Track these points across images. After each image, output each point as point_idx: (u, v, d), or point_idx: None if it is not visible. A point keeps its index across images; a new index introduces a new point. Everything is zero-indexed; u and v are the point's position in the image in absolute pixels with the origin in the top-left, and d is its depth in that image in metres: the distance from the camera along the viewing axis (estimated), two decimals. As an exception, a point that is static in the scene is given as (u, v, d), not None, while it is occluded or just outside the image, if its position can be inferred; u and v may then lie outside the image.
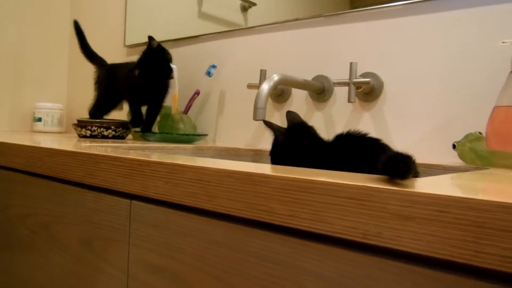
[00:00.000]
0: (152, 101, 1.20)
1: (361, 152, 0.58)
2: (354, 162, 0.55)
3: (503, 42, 0.70)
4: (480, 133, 0.71)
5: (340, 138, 0.63)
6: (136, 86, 1.16)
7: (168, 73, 1.15)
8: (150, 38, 1.14)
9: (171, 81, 1.18)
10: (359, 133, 0.62)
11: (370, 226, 0.33)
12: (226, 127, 1.21)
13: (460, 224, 0.29)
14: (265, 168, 0.45)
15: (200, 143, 1.15)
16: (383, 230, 0.32)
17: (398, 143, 0.88)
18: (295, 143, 0.67)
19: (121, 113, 1.40)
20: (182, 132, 1.16)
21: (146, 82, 1.14)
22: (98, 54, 1.36)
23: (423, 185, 0.35)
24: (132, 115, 1.20)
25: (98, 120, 1.20)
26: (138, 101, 1.20)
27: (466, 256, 0.29)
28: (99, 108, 1.28)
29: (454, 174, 0.51)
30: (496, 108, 0.67)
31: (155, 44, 1.14)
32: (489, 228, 0.28)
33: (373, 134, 0.64)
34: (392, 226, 0.32)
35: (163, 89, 1.19)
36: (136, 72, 1.11)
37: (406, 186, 0.33)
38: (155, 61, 1.14)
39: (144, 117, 1.20)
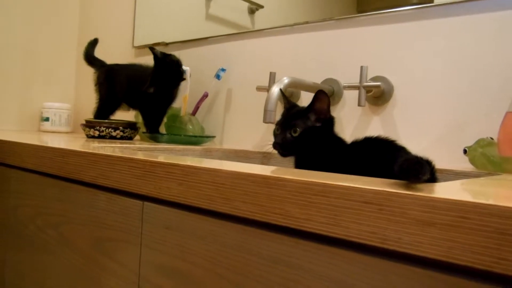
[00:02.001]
0: (162, 106, 1.20)
1: (384, 156, 0.59)
2: (376, 165, 0.56)
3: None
4: (492, 138, 0.71)
5: (367, 140, 0.65)
6: (150, 102, 1.16)
7: (180, 79, 1.15)
8: (152, 49, 1.12)
9: (182, 83, 1.18)
10: (386, 138, 0.64)
11: (390, 231, 0.33)
12: (233, 129, 1.21)
13: (482, 231, 0.29)
14: (281, 171, 0.45)
15: (207, 145, 1.15)
16: (402, 235, 0.32)
17: (408, 148, 0.87)
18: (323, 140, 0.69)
19: (129, 114, 1.40)
20: (190, 134, 1.16)
21: (160, 95, 1.14)
22: (97, 56, 1.33)
23: (442, 190, 0.35)
24: (148, 128, 1.20)
25: (106, 121, 1.20)
26: (151, 113, 1.20)
27: (488, 263, 0.29)
28: (103, 112, 1.28)
29: (468, 180, 0.51)
30: (508, 113, 0.67)
31: (159, 53, 1.12)
32: (513, 235, 0.28)
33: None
34: (412, 231, 0.32)
35: (173, 96, 1.19)
36: (152, 90, 1.10)
37: (426, 192, 0.33)
38: (166, 72, 1.12)
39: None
